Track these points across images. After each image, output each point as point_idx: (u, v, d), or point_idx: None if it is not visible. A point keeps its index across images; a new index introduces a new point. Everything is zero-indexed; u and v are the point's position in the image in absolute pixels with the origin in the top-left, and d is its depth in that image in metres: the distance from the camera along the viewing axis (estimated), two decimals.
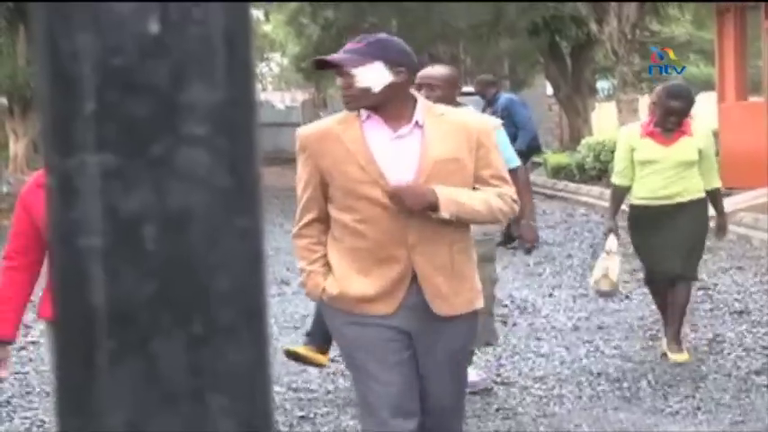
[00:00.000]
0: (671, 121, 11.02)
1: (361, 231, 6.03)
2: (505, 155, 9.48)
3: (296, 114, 57.90)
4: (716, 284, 15.67)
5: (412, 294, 6.05)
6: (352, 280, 6.10)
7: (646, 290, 14.75)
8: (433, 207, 5.95)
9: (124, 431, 1.06)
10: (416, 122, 6.03)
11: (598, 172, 26.98)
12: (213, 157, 1.07)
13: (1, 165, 35.44)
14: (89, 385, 1.06)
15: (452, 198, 5.99)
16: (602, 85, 53.60)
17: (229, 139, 1.08)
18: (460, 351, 6.45)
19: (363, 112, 6.06)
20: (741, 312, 13.77)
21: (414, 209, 5.97)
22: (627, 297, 14.22)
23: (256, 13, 46.99)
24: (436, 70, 10.16)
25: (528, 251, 11.80)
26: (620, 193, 11.44)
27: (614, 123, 35.08)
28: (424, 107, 6.14)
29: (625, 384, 10.51)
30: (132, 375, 1.07)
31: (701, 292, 15.03)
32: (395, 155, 6.01)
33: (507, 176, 6.33)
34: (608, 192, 24.60)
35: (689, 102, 11.31)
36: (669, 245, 11.08)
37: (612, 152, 26.20)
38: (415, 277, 6.03)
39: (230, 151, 1.08)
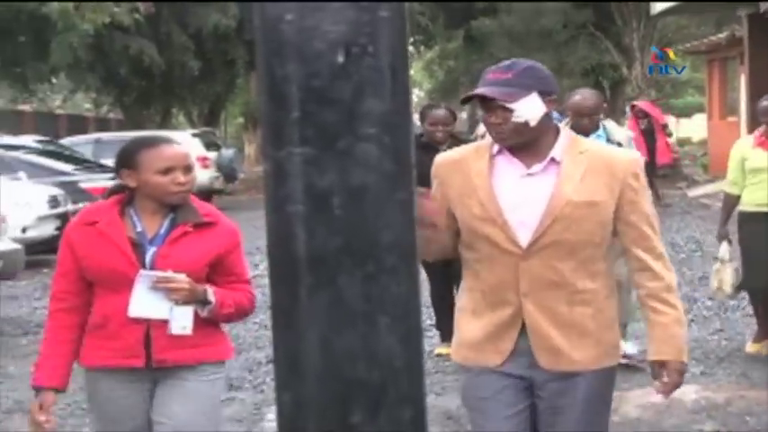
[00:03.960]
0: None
1: (477, 272, 3.92)
2: None
3: None
4: (705, 241, 15.42)
5: (524, 343, 3.87)
6: (465, 324, 3.99)
7: None
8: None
9: (318, 343, 1.02)
10: (552, 159, 3.82)
11: None
12: (381, 150, 1.01)
13: (240, 161, 35.84)
14: (294, 310, 1.01)
15: (685, 348, 3.92)
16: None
17: (392, 137, 1.02)
18: (592, 410, 3.98)
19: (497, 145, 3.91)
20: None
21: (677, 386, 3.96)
22: None
23: None
24: (588, 100, 7.94)
25: None
26: (730, 202, 8.49)
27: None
28: (567, 141, 3.87)
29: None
30: (324, 303, 1.01)
31: (694, 246, 14.88)
32: (523, 194, 3.82)
33: (655, 222, 3.94)
34: None
35: None
36: None
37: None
38: (524, 326, 3.87)
39: (393, 146, 1.02)
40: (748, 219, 8.34)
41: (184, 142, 24.01)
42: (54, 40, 29.59)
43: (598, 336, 3.88)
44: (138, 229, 4.21)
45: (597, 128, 7.90)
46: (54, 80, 38.11)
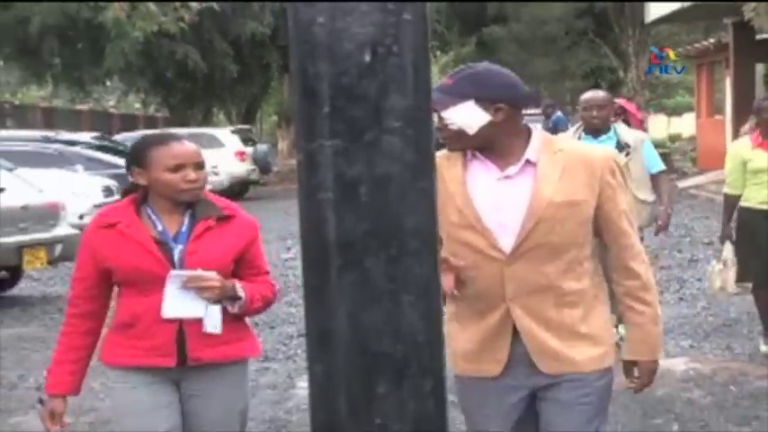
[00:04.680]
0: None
1: (461, 280, 3.35)
2: (651, 161, 7.74)
3: None
4: (693, 227, 15.38)
5: (519, 349, 3.38)
6: (456, 334, 3.45)
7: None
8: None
9: (347, 319, 1.00)
10: (527, 160, 3.30)
11: None
12: (404, 142, 0.99)
13: (274, 155, 35.88)
14: (324, 289, 0.99)
15: (659, 346, 3.55)
16: None
17: (415, 130, 1.00)
18: (594, 410, 3.46)
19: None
20: (708, 243, 13.53)
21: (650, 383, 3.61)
22: None
23: None
24: (599, 93, 7.84)
25: (657, 233, 8.19)
26: (731, 202, 7.80)
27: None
28: (541, 142, 3.34)
29: None
30: (352, 282, 0.99)
31: (683, 231, 14.83)
32: (501, 197, 3.31)
33: (632, 218, 3.46)
34: None
35: None
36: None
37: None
38: (517, 331, 3.37)
39: (415, 138, 1.00)
40: (751, 215, 7.75)
41: (225, 138, 23.90)
42: (108, 46, 29.74)
43: (594, 337, 3.40)
44: (159, 228, 3.72)
45: (608, 129, 7.60)
46: (108, 82, 38.28)
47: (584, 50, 35.67)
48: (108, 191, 16.34)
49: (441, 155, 3.37)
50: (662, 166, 7.92)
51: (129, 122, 43.07)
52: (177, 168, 3.66)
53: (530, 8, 33.76)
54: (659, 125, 40.69)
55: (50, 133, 22.36)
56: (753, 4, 17.90)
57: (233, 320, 3.77)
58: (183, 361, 3.72)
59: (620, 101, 17.72)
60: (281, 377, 7.73)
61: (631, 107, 18.21)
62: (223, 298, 3.70)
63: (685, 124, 41.97)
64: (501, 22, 35.46)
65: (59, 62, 32.71)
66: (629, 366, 3.56)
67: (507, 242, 3.30)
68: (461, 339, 3.44)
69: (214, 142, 25.31)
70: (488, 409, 3.47)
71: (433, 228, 1.00)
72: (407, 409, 0.99)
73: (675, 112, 49.85)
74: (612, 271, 3.46)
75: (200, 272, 3.64)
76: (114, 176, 17.33)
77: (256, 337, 4.07)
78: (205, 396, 3.82)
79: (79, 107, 43.52)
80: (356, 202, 0.96)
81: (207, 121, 37.33)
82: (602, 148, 3.85)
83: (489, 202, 3.32)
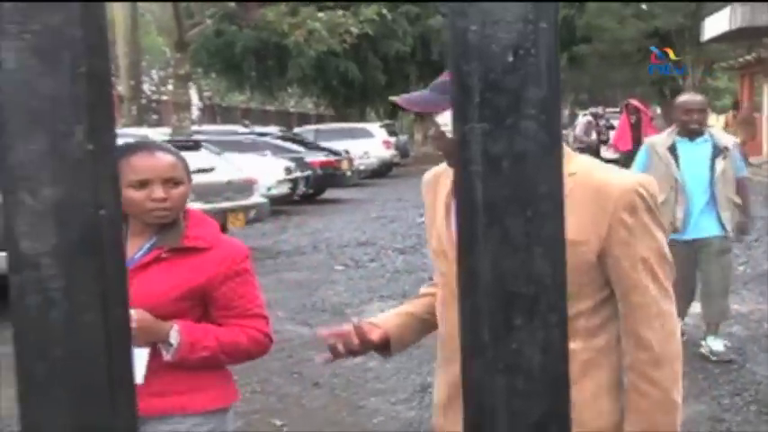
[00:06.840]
0: None
1: (439, 315, 2.11)
2: (740, 165, 5.95)
3: None
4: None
5: None
6: (436, 382, 2.18)
7: None
8: None
9: (490, 266, 0.95)
10: None
11: None
12: (538, 126, 0.94)
13: (411, 143, 35.80)
14: (473, 242, 0.95)
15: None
16: None
17: (547, 116, 0.95)
18: None
19: None
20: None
21: None
22: None
23: None
24: (697, 97, 5.96)
25: (737, 236, 6.30)
26: None
27: None
28: None
29: None
30: (495, 237, 0.95)
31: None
32: None
33: (659, 267, 1.89)
34: None
35: None
36: None
37: None
38: None
39: (546, 122, 0.95)
40: None
41: (375, 131, 23.96)
42: (290, 62, 30.15)
43: (574, 414, 1.55)
44: None
45: (703, 132, 5.83)
46: (289, 89, 38.79)
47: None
48: (288, 170, 16.64)
49: (437, 170, 2.19)
50: (746, 171, 6.16)
51: (305, 119, 43.63)
52: (142, 184, 2.38)
53: (610, 31, 33.01)
54: (710, 122, 39.25)
55: (245, 129, 22.79)
56: None
57: (179, 369, 2.40)
58: None
59: (633, 101, 16.27)
60: None
61: (643, 107, 16.71)
62: (149, 341, 2.36)
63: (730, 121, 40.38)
64: (587, 42, 34.72)
65: (255, 75, 33.34)
66: None
67: None
68: (436, 386, 2.19)
69: (367, 134, 25.58)
70: None
71: (560, 194, 0.96)
72: (537, 338, 0.95)
73: (723, 111, 48.05)
74: (622, 334, 1.98)
75: None
76: (293, 159, 17.62)
77: (227, 386, 2.55)
78: None
79: (268, 108, 44.31)
80: (499, 173, 0.92)
81: (362, 117, 37.56)
82: (628, 177, 1.97)
83: None
